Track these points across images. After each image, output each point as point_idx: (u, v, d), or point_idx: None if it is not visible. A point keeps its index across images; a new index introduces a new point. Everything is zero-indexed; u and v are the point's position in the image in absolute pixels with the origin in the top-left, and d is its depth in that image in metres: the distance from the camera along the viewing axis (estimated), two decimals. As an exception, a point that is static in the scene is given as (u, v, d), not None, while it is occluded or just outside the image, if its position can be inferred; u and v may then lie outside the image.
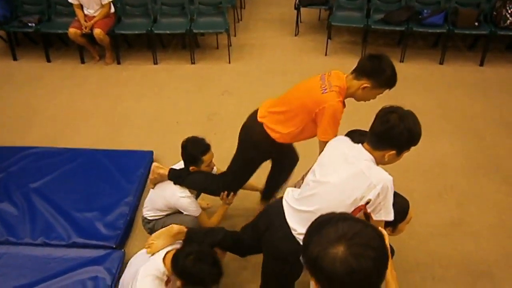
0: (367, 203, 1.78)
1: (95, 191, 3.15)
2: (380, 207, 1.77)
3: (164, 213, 2.63)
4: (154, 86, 4.69)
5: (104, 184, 3.21)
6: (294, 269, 2.04)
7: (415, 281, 2.67)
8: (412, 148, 1.87)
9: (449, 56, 5.05)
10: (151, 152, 3.51)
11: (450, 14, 4.91)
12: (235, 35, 5.69)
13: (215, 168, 2.79)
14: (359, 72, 2.27)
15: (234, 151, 2.65)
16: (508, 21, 4.73)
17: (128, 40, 5.49)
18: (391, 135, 1.77)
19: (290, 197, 2.04)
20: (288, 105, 2.39)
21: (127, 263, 2.72)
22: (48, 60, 5.16)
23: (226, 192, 2.65)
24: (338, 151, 1.95)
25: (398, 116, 1.77)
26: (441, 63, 5.03)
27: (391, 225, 1.97)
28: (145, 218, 2.69)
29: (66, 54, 5.30)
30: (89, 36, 4.91)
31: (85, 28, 4.79)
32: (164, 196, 2.58)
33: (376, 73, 2.22)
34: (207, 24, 5.11)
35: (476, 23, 4.81)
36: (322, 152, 2.05)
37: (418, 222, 2.84)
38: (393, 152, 1.80)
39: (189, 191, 2.60)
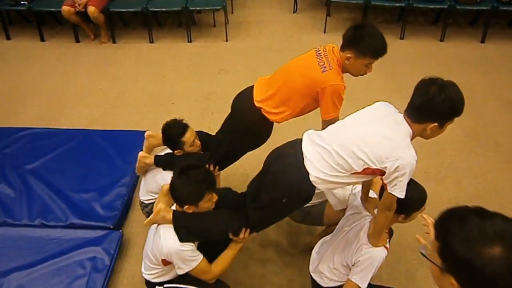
0: (383, 173, 1.75)
1: (92, 172, 3.14)
2: (395, 182, 1.74)
3: (157, 195, 2.60)
4: (150, 65, 4.62)
5: (101, 165, 3.19)
6: (289, 204, 1.99)
7: (412, 260, 2.68)
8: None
9: (449, 33, 4.97)
10: (148, 132, 3.48)
11: (451, -11, 4.82)
12: (232, 12, 5.59)
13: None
14: (343, 43, 2.23)
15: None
16: (511, -4, 4.64)
17: (123, 18, 5.40)
18: (432, 107, 1.72)
19: (311, 131, 2.00)
20: (286, 86, 2.32)
21: (124, 243, 2.74)
22: (42, 39, 5.07)
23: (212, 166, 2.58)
24: (379, 111, 1.90)
25: (438, 87, 1.71)
26: (441, 40, 4.95)
27: (405, 213, 1.95)
28: (142, 202, 2.67)
29: (60, 33, 5.21)
30: (83, 14, 4.81)
31: (79, 6, 4.69)
32: (156, 181, 2.55)
33: (355, 42, 2.17)
34: (204, 1, 5.00)
35: (478, -1, 4.72)
36: (362, 109, 1.98)
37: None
38: (435, 124, 1.75)
39: None
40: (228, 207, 2.17)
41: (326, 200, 2.43)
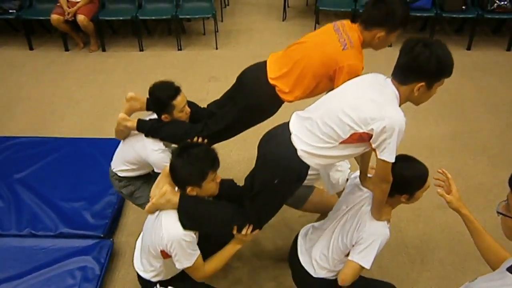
0: (371, 137, 1.68)
1: (81, 180, 3.11)
2: (384, 145, 1.66)
3: (135, 167, 2.36)
4: (140, 73, 4.62)
5: (91, 173, 3.17)
6: (282, 186, 1.87)
7: (404, 264, 2.70)
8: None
9: (436, 40, 5.05)
10: (138, 140, 3.46)
11: (437, -2, 4.90)
12: (222, 20, 5.62)
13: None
14: (368, 24, 2.11)
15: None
16: (495, 4, 4.73)
17: (113, 27, 5.40)
18: (417, 64, 1.64)
19: (299, 111, 1.94)
20: (302, 63, 2.19)
21: (115, 252, 2.72)
22: (31, 48, 5.05)
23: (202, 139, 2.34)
24: (366, 78, 1.85)
25: (423, 44, 1.64)
26: (428, 46, 5.02)
27: (408, 192, 1.86)
28: (115, 174, 2.39)
29: (49, 42, 5.19)
30: (73, 23, 4.80)
31: (68, 14, 4.68)
32: (134, 148, 2.29)
33: (389, 19, 2.08)
34: (194, 9, 5.03)
35: (464, 7, 4.81)
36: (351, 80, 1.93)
37: (406, 205, 2.85)
38: (422, 84, 1.67)
39: (164, 144, 2.26)
40: (235, 199, 2.03)
41: (314, 189, 2.38)
